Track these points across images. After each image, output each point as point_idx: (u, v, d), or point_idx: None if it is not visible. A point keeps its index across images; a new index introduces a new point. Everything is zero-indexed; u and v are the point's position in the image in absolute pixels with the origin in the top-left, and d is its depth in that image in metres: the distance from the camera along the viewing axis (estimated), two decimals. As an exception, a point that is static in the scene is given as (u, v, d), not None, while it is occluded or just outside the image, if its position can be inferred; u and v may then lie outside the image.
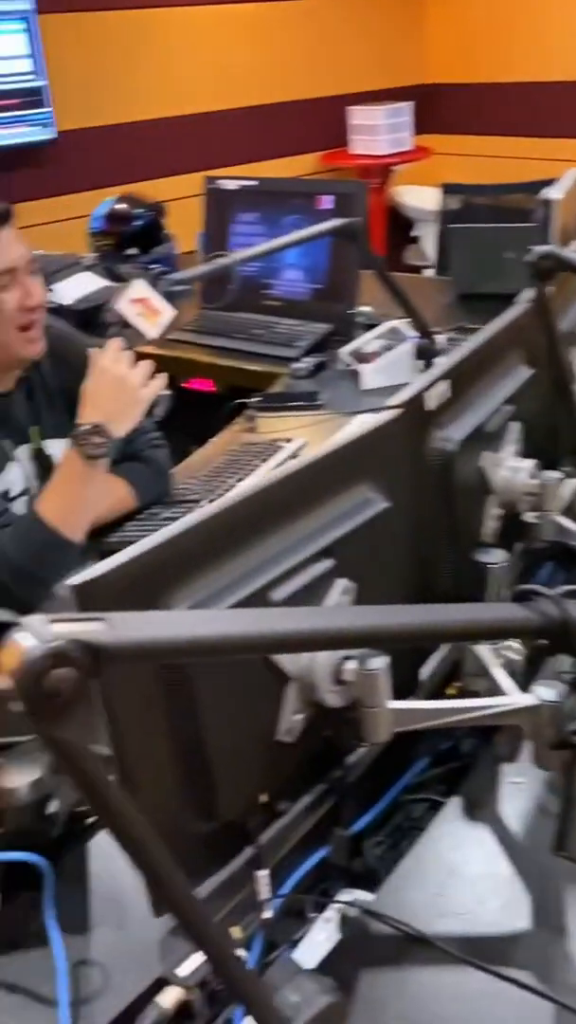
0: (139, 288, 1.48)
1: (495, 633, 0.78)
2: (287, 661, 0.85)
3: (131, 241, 3.02)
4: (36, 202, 3.90)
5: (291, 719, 0.88)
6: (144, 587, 0.75)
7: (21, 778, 0.87)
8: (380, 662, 0.83)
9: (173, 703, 0.77)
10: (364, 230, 1.75)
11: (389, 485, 0.96)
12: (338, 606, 0.86)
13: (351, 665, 0.85)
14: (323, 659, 0.85)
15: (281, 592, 0.85)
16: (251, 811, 0.90)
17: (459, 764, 1.15)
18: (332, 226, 1.69)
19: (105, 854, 0.96)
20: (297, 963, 0.70)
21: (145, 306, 1.48)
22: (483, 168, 4.45)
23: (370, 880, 1.03)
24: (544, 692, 0.83)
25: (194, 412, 1.66)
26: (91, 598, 0.70)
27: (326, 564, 0.89)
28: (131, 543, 1.56)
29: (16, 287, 1.43)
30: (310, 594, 0.88)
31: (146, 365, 1.47)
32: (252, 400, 2.07)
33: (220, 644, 0.48)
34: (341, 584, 0.90)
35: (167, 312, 1.51)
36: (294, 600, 0.85)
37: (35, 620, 0.42)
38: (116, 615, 0.45)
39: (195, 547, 0.80)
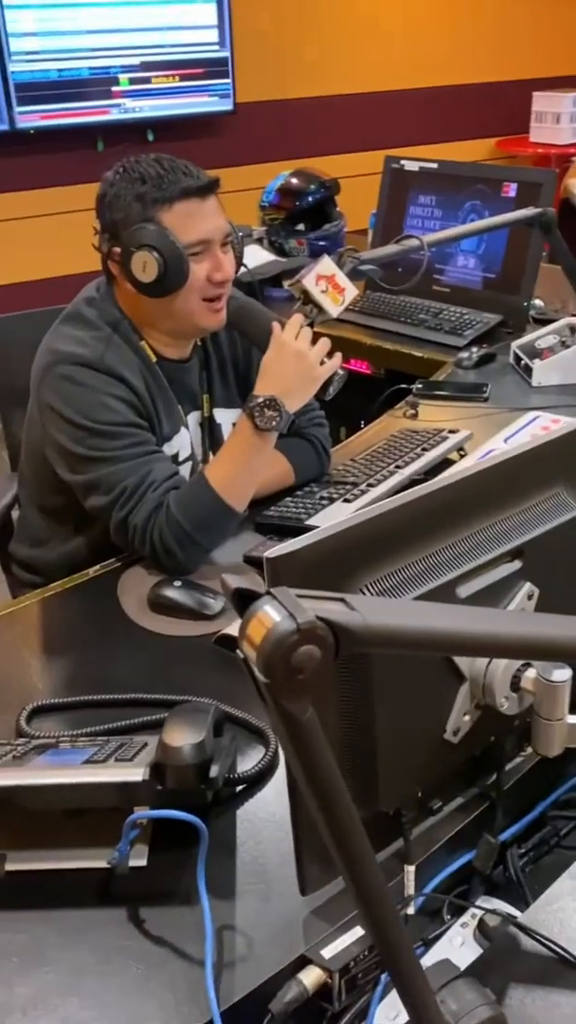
0: (326, 265, 1.47)
1: None
2: (465, 661, 0.83)
3: (301, 217, 3.02)
4: (210, 172, 3.95)
5: (460, 719, 0.86)
6: (333, 567, 0.75)
7: (184, 738, 0.88)
8: (564, 674, 0.80)
9: (350, 688, 0.77)
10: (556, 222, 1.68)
11: (585, 490, 0.92)
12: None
13: (531, 674, 0.82)
14: (503, 664, 0.82)
15: (466, 589, 0.83)
16: (406, 804, 0.89)
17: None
18: (526, 215, 1.62)
19: (252, 825, 0.97)
20: (455, 967, 0.69)
21: (330, 283, 1.46)
22: None
23: (509, 891, 1.00)
24: None
25: (348, 393, 1.65)
26: (282, 572, 0.70)
27: (514, 565, 0.86)
28: (286, 519, 1.58)
29: (208, 259, 1.45)
30: (493, 595, 0.85)
31: (325, 343, 1.46)
32: (416, 387, 2.04)
33: (459, 641, 0.46)
34: (526, 588, 0.87)
35: (350, 291, 1.49)
36: (478, 599, 0.83)
37: (285, 594, 0.42)
38: (353, 597, 0.44)
39: (386, 533, 0.79)
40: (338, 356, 1.47)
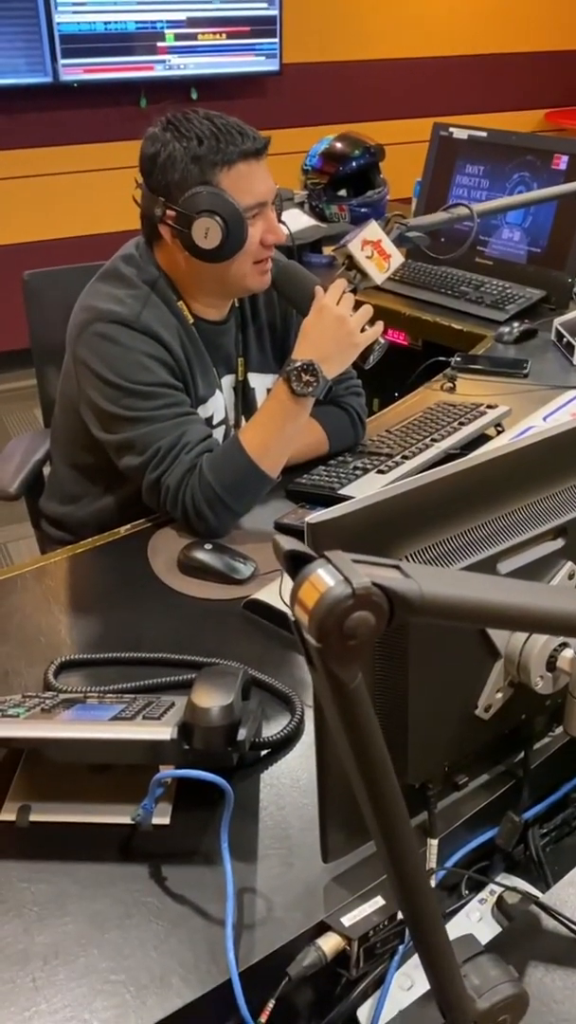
0: (373, 230, 1.44)
1: None
2: (501, 638, 0.82)
3: (344, 182, 2.97)
4: (253, 133, 3.89)
5: (492, 696, 0.85)
6: (374, 535, 0.73)
7: (213, 700, 0.88)
8: (602, 656, 0.79)
9: (385, 659, 0.76)
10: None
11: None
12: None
13: (568, 654, 0.81)
14: (540, 642, 0.81)
15: (507, 565, 0.81)
16: (433, 778, 0.89)
17: None
18: (579, 187, 1.58)
19: (276, 789, 0.97)
20: (478, 942, 0.68)
21: (376, 249, 1.44)
22: None
23: (528, 870, 1.00)
24: None
25: (381, 364, 1.62)
26: (323, 538, 0.69)
27: (557, 543, 0.84)
28: (318, 488, 1.56)
29: (262, 221, 1.42)
30: (534, 572, 0.84)
31: (366, 310, 1.44)
32: (454, 359, 2.01)
33: (516, 615, 0.45)
34: (568, 567, 0.86)
35: (396, 258, 1.46)
36: (518, 576, 0.82)
37: (340, 558, 0.41)
38: (408, 565, 0.43)
39: (428, 505, 0.77)
40: (379, 324, 1.45)
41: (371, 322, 1.45)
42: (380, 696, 0.77)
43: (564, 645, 0.82)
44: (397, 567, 0.42)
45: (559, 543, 0.84)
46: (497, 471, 0.81)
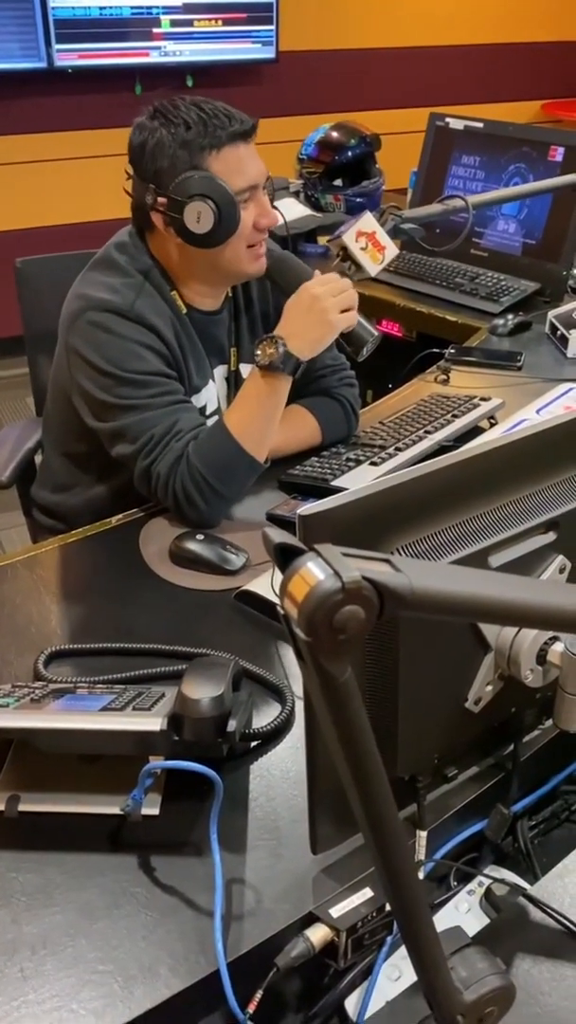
0: (368, 221, 1.43)
1: None
2: (492, 631, 0.82)
3: (339, 172, 2.95)
4: (248, 121, 3.87)
5: (482, 689, 0.85)
6: (366, 528, 0.73)
7: (204, 691, 0.88)
8: (592, 650, 0.79)
9: (376, 652, 0.76)
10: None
11: (623, 465, 0.90)
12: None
13: (558, 647, 0.81)
14: (531, 636, 0.81)
15: (498, 559, 0.81)
16: (423, 770, 0.89)
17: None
18: (575, 180, 1.57)
19: (265, 781, 0.97)
20: (466, 934, 0.68)
21: (371, 240, 1.43)
22: None
23: (516, 862, 1.00)
24: None
25: (375, 356, 1.62)
26: (314, 530, 0.69)
27: (548, 537, 0.84)
28: (311, 479, 1.56)
29: (254, 204, 1.41)
30: (525, 566, 0.84)
31: (350, 296, 1.42)
32: (448, 351, 2.00)
33: (506, 610, 0.45)
34: (559, 560, 0.86)
35: (391, 250, 1.45)
36: (509, 569, 0.82)
37: (330, 551, 0.41)
38: (398, 559, 0.43)
39: (420, 498, 0.77)
40: (355, 312, 1.43)
41: (366, 317, 1.45)
42: (370, 688, 0.77)
43: (554, 639, 0.82)
44: (387, 561, 0.42)
45: (550, 537, 0.84)
46: (489, 464, 0.81)
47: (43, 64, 3.66)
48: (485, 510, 0.81)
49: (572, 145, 2.26)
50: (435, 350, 2.06)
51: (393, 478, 0.75)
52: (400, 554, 0.76)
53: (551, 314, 2.07)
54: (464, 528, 0.79)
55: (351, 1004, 0.85)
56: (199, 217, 1.35)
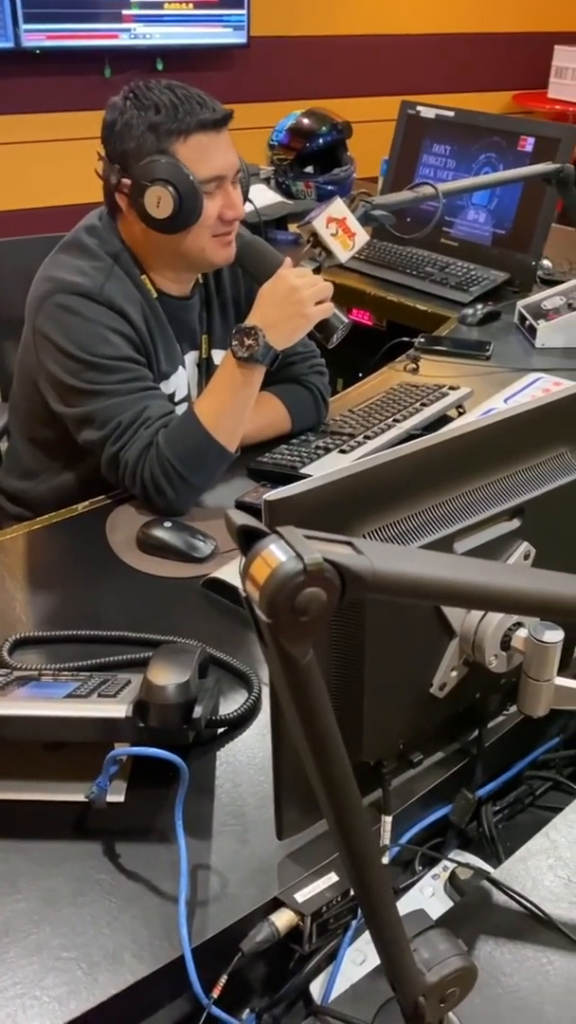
0: (338, 207, 1.42)
1: None
2: (457, 616, 0.82)
3: (310, 159, 2.94)
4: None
5: (447, 674, 0.86)
6: (332, 514, 0.73)
7: (169, 677, 0.87)
8: (555, 635, 0.79)
9: (341, 637, 0.76)
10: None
11: (588, 452, 0.90)
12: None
13: (522, 633, 0.82)
14: (494, 621, 0.82)
15: (463, 545, 0.82)
16: (388, 756, 0.89)
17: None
18: (544, 170, 1.58)
19: (231, 767, 0.97)
20: (429, 917, 0.69)
21: (341, 226, 1.42)
22: None
23: (481, 846, 1.01)
24: None
25: (349, 344, 1.62)
26: (280, 516, 0.69)
27: (513, 524, 0.85)
28: (280, 466, 1.56)
29: (220, 195, 1.40)
30: (490, 552, 0.84)
31: (324, 286, 1.42)
32: (418, 340, 2.01)
33: (468, 592, 0.45)
34: (523, 547, 0.86)
35: (361, 236, 1.45)
36: (474, 555, 0.82)
37: (292, 533, 0.40)
38: (361, 542, 0.43)
39: (386, 484, 0.77)
40: (330, 303, 1.43)
41: (337, 305, 1.44)
42: (336, 673, 0.77)
43: (518, 624, 0.82)
44: (350, 544, 0.42)
45: (515, 523, 0.85)
46: (455, 451, 0.81)
47: (10, 44, 3.59)
48: (449, 497, 0.81)
49: (542, 135, 2.27)
50: (405, 339, 2.06)
51: (359, 464, 0.75)
52: (368, 539, 0.76)
53: (520, 304, 2.08)
54: (430, 514, 0.80)
55: (316, 988, 0.85)
56: (159, 202, 1.34)
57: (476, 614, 0.82)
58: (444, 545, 0.79)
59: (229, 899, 0.83)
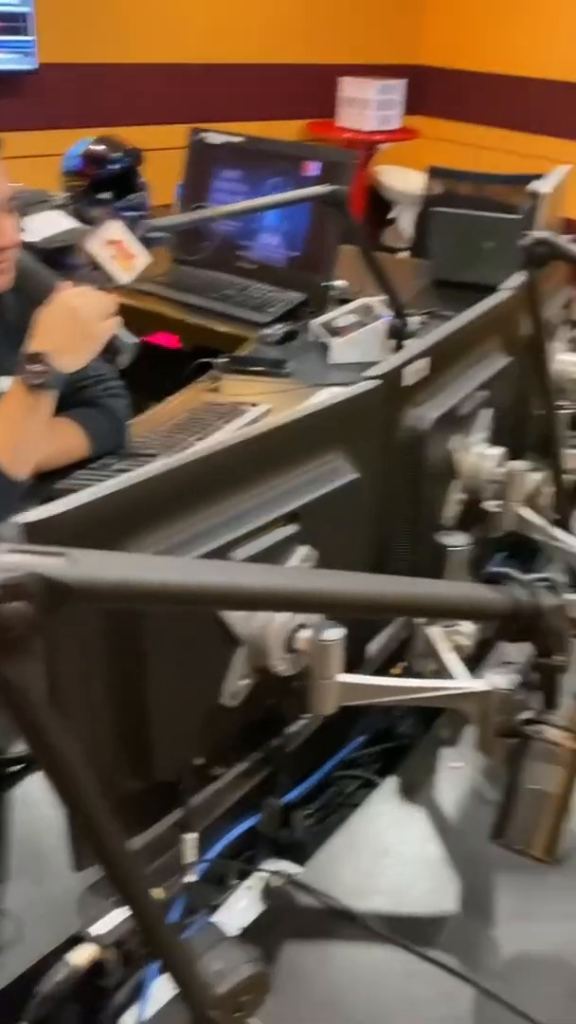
0: (114, 229, 1.42)
1: (463, 612, 0.76)
2: (239, 623, 0.83)
3: (105, 185, 2.92)
4: (9, 133, 3.75)
5: (237, 684, 0.86)
6: (102, 531, 0.72)
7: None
8: (335, 633, 0.81)
9: (117, 652, 0.74)
10: (349, 199, 1.71)
11: (359, 456, 0.94)
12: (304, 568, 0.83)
13: (305, 634, 0.83)
14: (277, 625, 0.83)
15: (242, 552, 0.82)
16: (185, 773, 0.88)
17: (394, 745, 1.15)
18: (317, 192, 1.65)
19: (26, 806, 0.93)
20: (221, 930, 0.68)
21: (119, 249, 1.42)
22: (466, 156, 4.41)
23: (296, 852, 1.02)
24: (497, 679, 0.82)
25: (156, 367, 1.62)
26: (45, 537, 0.67)
27: (290, 529, 0.86)
28: (79, 491, 1.52)
29: None
30: (270, 557, 0.85)
31: (108, 301, 1.40)
32: (218, 361, 2.03)
33: (187, 593, 0.45)
34: (302, 551, 0.88)
35: (142, 258, 1.44)
36: (254, 561, 0.83)
37: (-5, 546, 0.39)
38: (77, 551, 0.42)
39: (158, 497, 0.77)
40: (118, 319, 1.42)
41: (139, 329, 1.43)
42: (116, 691, 0.75)
43: (302, 626, 0.84)
44: (61, 554, 0.41)
45: (293, 528, 0.87)
46: (227, 460, 0.82)
47: None
48: (225, 506, 0.82)
49: (325, 160, 2.36)
50: (207, 360, 2.08)
51: (126, 479, 0.74)
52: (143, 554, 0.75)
53: (313, 323, 2.15)
54: (205, 525, 0.80)
55: (130, 1020, 0.82)
56: None
57: (259, 619, 0.83)
58: (222, 553, 0.80)
59: (27, 943, 0.80)
